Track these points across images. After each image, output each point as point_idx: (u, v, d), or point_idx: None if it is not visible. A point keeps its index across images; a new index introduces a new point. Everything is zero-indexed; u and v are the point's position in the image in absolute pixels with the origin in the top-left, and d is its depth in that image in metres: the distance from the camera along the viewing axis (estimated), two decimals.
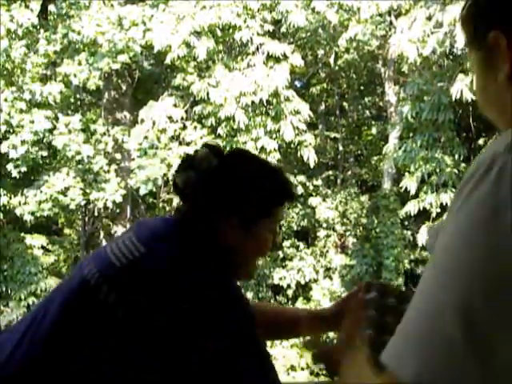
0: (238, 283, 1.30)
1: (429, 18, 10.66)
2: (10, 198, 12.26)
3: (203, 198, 1.33)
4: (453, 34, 10.23)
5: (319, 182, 14.52)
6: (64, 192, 11.99)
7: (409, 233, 12.77)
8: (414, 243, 12.03)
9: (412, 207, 11.78)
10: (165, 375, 1.14)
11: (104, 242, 13.92)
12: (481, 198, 0.66)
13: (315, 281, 13.25)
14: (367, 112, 16.78)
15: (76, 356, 1.15)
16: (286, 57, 12.06)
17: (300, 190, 13.76)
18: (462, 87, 10.35)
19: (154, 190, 12.46)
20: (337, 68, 14.82)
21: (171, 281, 1.17)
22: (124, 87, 13.77)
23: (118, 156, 12.78)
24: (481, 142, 12.20)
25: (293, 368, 12.16)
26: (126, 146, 12.47)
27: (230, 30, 12.02)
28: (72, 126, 12.03)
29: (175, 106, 12.40)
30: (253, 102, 11.67)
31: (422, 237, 11.62)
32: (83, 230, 14.87)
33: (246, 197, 1.34)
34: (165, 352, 1.13)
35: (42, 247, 13.13)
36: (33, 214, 11.93)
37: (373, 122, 16.08)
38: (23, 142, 11.70)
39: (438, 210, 11.62)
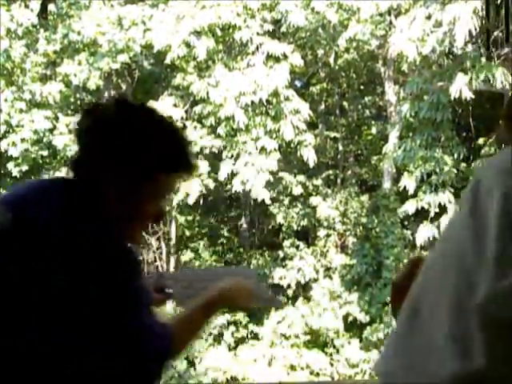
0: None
1: (428, 18, 10.67)
2: None
3: (91, 144, 1.30)
4: (452, 33, 10.23)
5: (319, 182, 14.52)
6: None
7: (409, 232, 12.77)
8: (414, 243, 12.04)
9: (410, 206, 11.78)
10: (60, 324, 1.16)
11: None
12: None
13: (315, 280, 13.25)
14: (367, 111, 16.77)
15: None
16: (285, 56, 12.07)
17: (300, 190, 13.77)
18: (462, 86, 10.35)
19: None
20: (337, 68, 14.82)
21: (59, 238, 1.18)
22: (124, 87, 13.77)
23: None
24: (480, 141, 12.18)
25: (293, 368, 12.16)
26: None
27: (230, 30, 12.02)
28: (72, 126, 12.00)
29: (175, 105, 12.41)
30: (252, 102, 11.68)
31: (420, 236, 11.64)
32: None
33: (132, 152, 1.28)
34: (57, 306, 1.15)
35: None
36: None
37: (373, 122, 16.07)
38: (23, 140, 11.70)
39: (437, 210, 11.62)
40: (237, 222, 15.96)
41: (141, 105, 1.40)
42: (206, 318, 1.44)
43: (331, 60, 14.06)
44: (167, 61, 11.84)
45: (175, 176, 1.36)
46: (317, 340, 12.48)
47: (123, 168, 1.27)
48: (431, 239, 11.60)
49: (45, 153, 12.36)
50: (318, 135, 14.46)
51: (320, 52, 14.58)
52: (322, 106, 16.30)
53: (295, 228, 14.05)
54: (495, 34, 10.04)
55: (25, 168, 11.92)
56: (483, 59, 10.45)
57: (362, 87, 16.35)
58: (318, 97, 16.05)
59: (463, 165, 12.49)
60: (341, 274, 13.19)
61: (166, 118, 1.39)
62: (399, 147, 12.03)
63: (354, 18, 12.15)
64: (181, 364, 11.66)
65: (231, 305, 1.59)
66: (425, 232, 11.57)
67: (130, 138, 1.28)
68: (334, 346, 12.43)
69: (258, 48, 12.03)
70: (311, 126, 13.50)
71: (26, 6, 11.50)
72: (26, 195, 1.26)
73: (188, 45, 11.60)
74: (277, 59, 11.98)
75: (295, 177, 13.88)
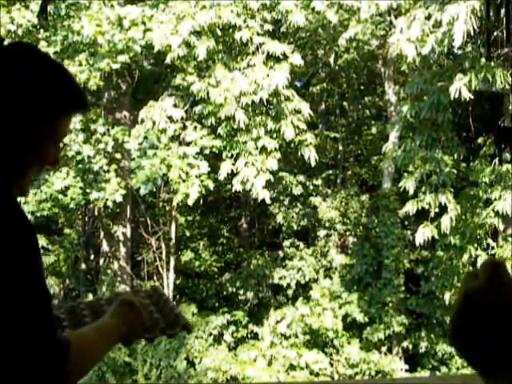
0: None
1: (428, 18, 10.67)
2: None
3: None
4: (452, 34, 10.23)
5: (319, 182, 14.53)
6: (64, 191, 12.00)
7: (409, 232, 12.78)
8: (414, 243, 12.04)
9: (411, 207, 11.77)
10: None
11: (104, 242, 13.93)
12: None
13: (315, 280, 13.26)
14: (367, 112, 16.79)
15: None
16: (285, 56, 12.06)
17: (300, 190, 13.78)
18: (461, 86, 10.35)
19: (154, 189, 12.46)
20: (337, 68, 14.83)
21: None
22: (124, 87, 13.77)
23: (118, 156, 12.79)
24: (480, 141, 12.19)
25: (292, 368, 12.16)
26: (126, 146, 12.48)
27: (230, 30, 12.03)
28: (72, 126, 12.04)
29: (175, 106, 12.41)
30: (253, 102, 11.67)
31: (419, 236, 11.62)
32: (83, 229, 14.88)
33: (26, 93, 1.18)
34: None
35: (42, 247, 13.14)
36: (33, 213, 11.94)
37: (373, 122, 16.09)
38: None
39: (437, 210, 11.62)
40: (237, 222, 15.97)
41: (20, 42, 1.31)
42: (107, 339, 1.30)
43: (331, 60, 14.06)
44: (167, 61, 11.83)
45: (71, 116, 1.27)
46: (316, 340, 12.48)
47: (14, 110, 1.17)
48: (430, 239, 11.62)
49: None
50: (318, 135, 14.47)
51: (320, 52, 14.60)
52: (322, 106, 16.32)
53: (295, 228, 14.07)
54: (495, 33, 10.06)
55: None
56: (483, 59, 10.45)
57: (362, 87, 16.36)
58: (318, 97, 16.06)
59: (463, 165, 12.49)
60: (341, 274, 13.20)
61: (48, 55, 1.30)
62: (399, 147, 12.04)
63: (354, 18, 12.16)
64: (181, 364, 11.66)
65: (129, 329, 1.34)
66: (424, 232, 11.56)
67: (23, 79, 1.18)
68: (334, 346, 12.44)
69: (258, 48, 12.03)
70: (311, 126, 13.50)
71: (26, 7, 11.50)
72: None
73: (188, 45, 11.59)
74: (277, 59, 11.98)
75: (295, 177, 13.88)
